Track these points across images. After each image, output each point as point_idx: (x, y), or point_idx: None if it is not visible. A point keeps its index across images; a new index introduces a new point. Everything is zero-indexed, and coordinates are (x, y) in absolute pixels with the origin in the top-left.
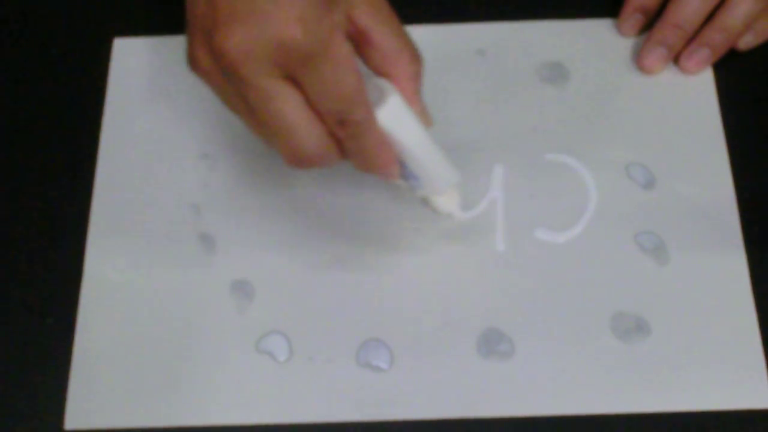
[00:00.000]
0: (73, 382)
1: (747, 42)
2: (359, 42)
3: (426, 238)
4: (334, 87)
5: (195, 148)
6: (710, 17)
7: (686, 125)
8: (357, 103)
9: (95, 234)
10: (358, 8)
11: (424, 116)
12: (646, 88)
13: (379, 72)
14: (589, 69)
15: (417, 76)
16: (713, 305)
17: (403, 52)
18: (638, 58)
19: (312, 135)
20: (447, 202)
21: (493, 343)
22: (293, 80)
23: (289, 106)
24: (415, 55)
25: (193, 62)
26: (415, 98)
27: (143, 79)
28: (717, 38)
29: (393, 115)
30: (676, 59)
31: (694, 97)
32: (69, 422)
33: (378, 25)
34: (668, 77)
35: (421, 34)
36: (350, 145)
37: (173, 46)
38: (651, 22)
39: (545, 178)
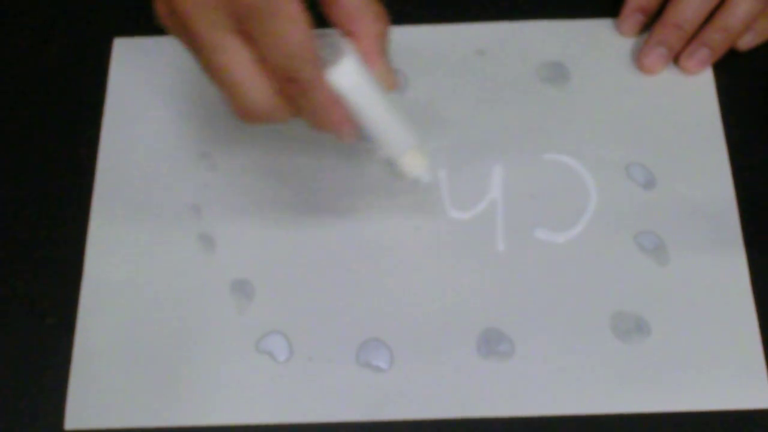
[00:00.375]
0: (73, 382)
1: (747, 42)
2: (325, 0)
3: (426, 237)
4: (281, 42)
5: (195, 148)
6: (710, 17)
7: (686, 125)
8: (305, 60)
9: (95, 234)
10: None
11: (388, 77)
12: (646, 88)
13: (344, 30)
14: (589, 69)
15: (380, 35)
16: (713, 305)
17: (366, 10)
18: (638, 58)
19: (259, 90)
20: (411, 165)
21: (493, 343)
22: (246, 35)
23: (236, 60)
24: (379, 14)
25: (156, 14)
26: (376, 58)
27: (143, 79)
28: (717, 38)
29: (345, 75)
30: (676, 59)
31: (694, 97)
32: (69, 422)
33: None
34: (668, 77)
35: (421, 34)
36: (300, 102)
37: (173, 46)
38: (651, 22)
39: (545, 178)
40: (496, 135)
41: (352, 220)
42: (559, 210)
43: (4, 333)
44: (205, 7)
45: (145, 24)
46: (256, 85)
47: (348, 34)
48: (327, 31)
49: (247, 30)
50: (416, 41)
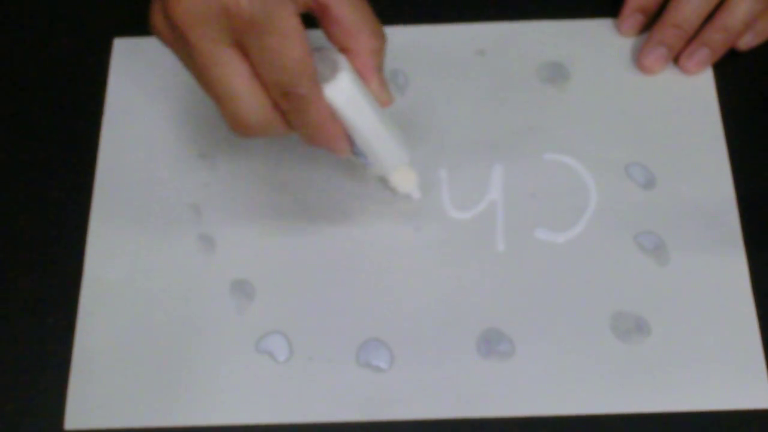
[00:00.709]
0: (73, 382)
1: (747, 42)
2: (322, 16)
3: (426, 238)
4: (278, 58)
5: (195, 148)
6: (710, 17)
7: (686, 125)
8: (301, 76)
9: (95, 234)
10: None
11: (382, 94)
12: (646, 88)
13: (340, 47)
14: (589, 69)
15: (377, 52)
16: (713, 305)
17: (363, 27)
18: (638, 59)
19: (254, 104)
20: (402, 181)
21: (493, 343)
22: (242, 49)
23: (232, 73)
24: (376, 31)
25: (152, 26)
26: (372, 75)
27: (143, 79)
28: (717, 38)
29: (340, 91)
30: (676, 59)
31: (694, 97)
32: (69, 422)
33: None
34: (668, 77)
35: (421, 34)
36: (294, 117)
37: None
38: (651, 22)
39: (545, 178)
40: (496, 135)
41: (353, 220)
42: (559, 210)
43: (4, 333)
44: (204, 20)
45: (145, 24)
46: (251, 99)
47: (344, 50)
48: (323, 45)
49: (244, 44)
50: (416, 41)
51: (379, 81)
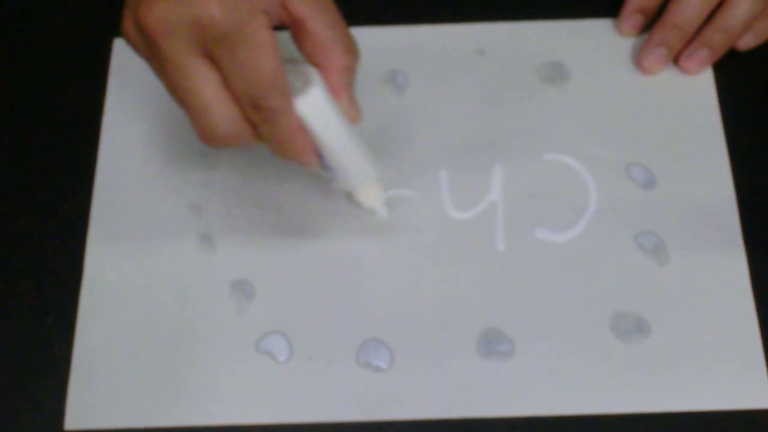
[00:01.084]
0: (73, 382)
1: (747, 42)
2: (295, 30)
3: (426, 238)
4: (249, 70)
5: (195, 147)
6: (710, 17)
7: (686, 125)
8: (272, 88)
9: (95, 234)
10: None
11: (352, 111)
12: (646, 88)
13: (313, 62)
14: (589, 69)
15: (348, 69)
16: (713, 305)
17: (336, 44)
18: (638, 59)
19: (224, 115)
20: (368, 197)
21: (493, 343)
22: (213, 60)
23: (202, 84)
24: (349, 48)
25: (123, 34)
26: (342, 91)
27: (143, 79)
28: (717, 38)
29: (311, 105)
30: (676, 60)
31: (694, 97)
32: (69, 422)
33: (313, 15)
34: (668, 77)
35: (421, 34)
36: (264, 129)
37: None
38: (651, 22)
39: (545, 178)
40: (496, 135)
41: (353, 220)
42: (559, 210)
43: (4, 333)
44: (175, 30)
45: None
46: (221, 111)
47: (316, 65)
48: (295, 56)
49: (215, 55)
50: (416, 41)
51: (349, 98)
